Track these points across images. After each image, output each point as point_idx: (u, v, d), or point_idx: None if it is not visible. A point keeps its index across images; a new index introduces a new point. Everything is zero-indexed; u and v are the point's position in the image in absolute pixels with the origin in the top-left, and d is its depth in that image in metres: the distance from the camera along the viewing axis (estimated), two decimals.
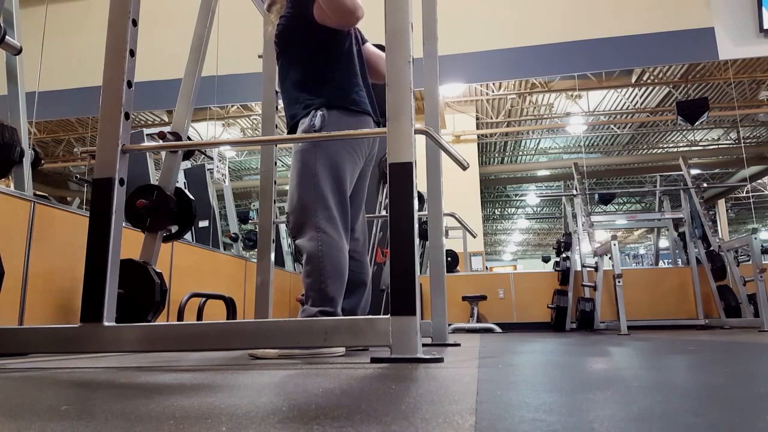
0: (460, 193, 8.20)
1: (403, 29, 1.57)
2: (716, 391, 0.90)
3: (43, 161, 3.40)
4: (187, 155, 3.76)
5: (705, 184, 6.41)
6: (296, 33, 2.03)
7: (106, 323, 1.53)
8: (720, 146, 12.00)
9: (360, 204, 2.19)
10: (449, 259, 6.88)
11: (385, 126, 1.54)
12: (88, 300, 1.54)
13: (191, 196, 2.61)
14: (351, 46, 2.08)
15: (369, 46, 2.25)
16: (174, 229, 2.63)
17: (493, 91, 9.70)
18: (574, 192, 6.44)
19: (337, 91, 2.00)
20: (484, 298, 5.97)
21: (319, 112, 1.94)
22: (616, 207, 16.29)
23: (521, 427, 0.58)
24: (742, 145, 11.32)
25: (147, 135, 5.01)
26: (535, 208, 18.00)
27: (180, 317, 2.79)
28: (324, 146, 1.95)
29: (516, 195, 16.46)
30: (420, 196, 4.55)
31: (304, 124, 1.96)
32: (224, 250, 6.48)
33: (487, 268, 11.12)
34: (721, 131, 11.60)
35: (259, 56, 2.86)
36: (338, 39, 2.03)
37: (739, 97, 9.73)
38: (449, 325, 4.16)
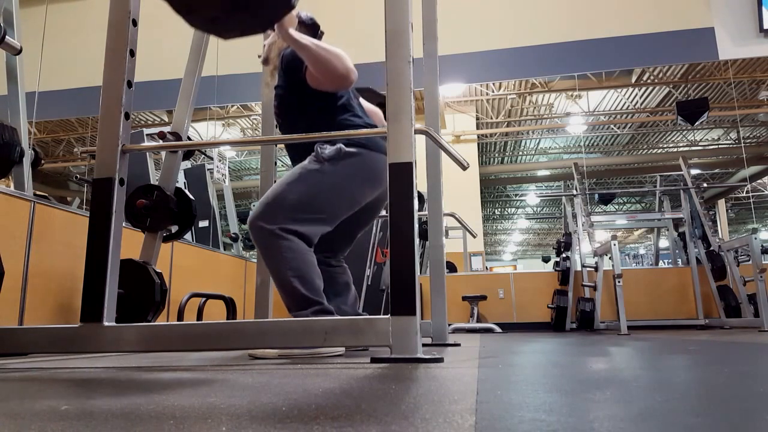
0: (460, 193, 8.20)
1: (403, 29, 1.57)
2: (716, 391, 0.90)
3: (43, 161, 3.40)
4: (187, 155, 3.76)
5: (705, 184, 6.40)
6: (294, 102, 2.03)
7: (106, 323, 1.53)
8: (720, 146, 12.00)
9: (354, 235, 2.18)
10: (447, 270, 6.89)
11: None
12: (88, 300, 1.54)
13: (191, 196, 2.61)
14: (350, 99, 2.07)
15: (362, 101, 2.25)
16: (174, 229, 2.63)
17: (493, 91, 9.70)
18: (574, 192, 6.44)
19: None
20: (484, 298, 5.97)
21: (338, 145, 1.91)
22: (616, 207, 16.30)
23: (521, 427, 0.58)
24: (742, 145, 11.32)
25: (147, 135, 5.00)
26: (535, 208, 18.00)
27: (180, 317, 2.79)
28: (333, 177, 1.90)
29: (516, 195, 16.47)
30: (420, 196, 4.55)
31: (316, 150, 1.93)
32: (224, 250, 6.48)
33: (487, 268, 11.12)
34: (721, 131, 11.60)
35: (259, 56, 2.86)
36: (337, 96, 2.02)
37: (739, 97, 9.73)
38: (449, 325, 4.16)
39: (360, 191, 1.99)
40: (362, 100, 2.25)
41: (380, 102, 2.65)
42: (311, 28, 2.10)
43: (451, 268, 7.07)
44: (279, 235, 1.81)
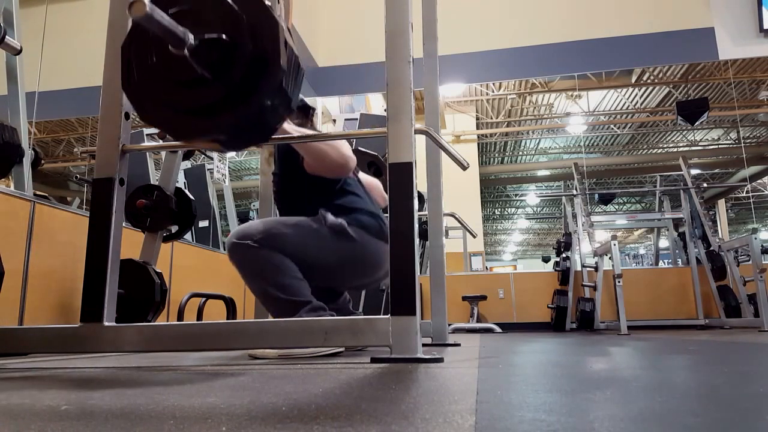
0: (460, 193, 8.20)
1: (403, 29, 1.57)
2: (716, 391, 0.90)
3: (43, 161, 3.40)
4: (187, 155, 3.76)
5: (705, 184, 6.41)
6: (294, 189, 2.01)
7: (106, 323, 1.53)
8: (720, 146, 12.00)
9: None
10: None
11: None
12: (88, 300, 1.54)
13: (191, 196, 2.61)
14: (348, 178, 2.04)
15: (361, 175, 2.22)
16: (174, 229, 2.64)
17: (493, 91, 9.70)
18: (574, 192, 6.44)
19: (358, 216, 1.92)
20: (484, 298, 5.97)
21: (341, 221, 1.86)
22: (616, 207, 16.29)
23: (521, 427, 0.57)
24: (742, 145, 11.33)
25: (147, 135, 5.01)
26: (535, 208, 18.00)
27: (180, 317, 2.79)
28: (327, 243, 1.84)
29: (516, 195, 16.47)
30: (420, 196, 4.55)
31: (320, 213, 1.88)
32: (224, 250, 6.48)
33: (487, 268, 11.11)
34: (721, 131, 11.60)
35: None
36: (335, 180, 1.99)
37: (739, 97, 9.73)
38: (449, 325, 4.16)
39: (347, 277, 1.97)
40: (360, 174, 2.21)
41: (371, 161, 2.61)
42: (303, 110, 2.06)
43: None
44: (253, 246, 1.76)
